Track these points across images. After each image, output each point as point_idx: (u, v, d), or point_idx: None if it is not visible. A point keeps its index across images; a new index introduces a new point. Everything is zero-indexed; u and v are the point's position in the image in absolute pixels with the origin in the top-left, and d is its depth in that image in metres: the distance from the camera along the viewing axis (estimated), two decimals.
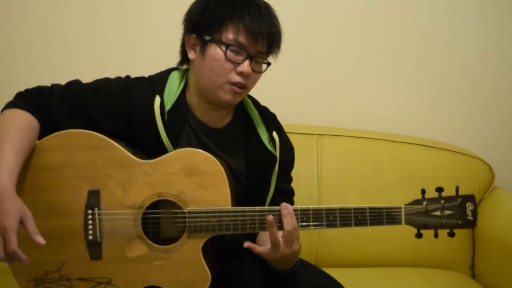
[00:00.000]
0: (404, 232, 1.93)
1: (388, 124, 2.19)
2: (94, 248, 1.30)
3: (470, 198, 1.31)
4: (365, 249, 1.95)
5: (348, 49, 2.19)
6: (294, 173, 1.60)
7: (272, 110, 1.62)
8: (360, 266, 1.94)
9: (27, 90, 1.36)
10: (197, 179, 1.29)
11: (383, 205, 1.30)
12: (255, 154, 1.44)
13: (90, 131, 1.31)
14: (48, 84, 1.40)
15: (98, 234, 1.30)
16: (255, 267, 1.42)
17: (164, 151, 1.34)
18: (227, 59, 1.31)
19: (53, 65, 2.14)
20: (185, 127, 1.38)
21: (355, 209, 1.29)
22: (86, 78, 1.47)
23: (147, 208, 1.30)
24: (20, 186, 1.27)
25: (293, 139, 1.97)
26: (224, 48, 1.31)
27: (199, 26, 1.35)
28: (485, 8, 2.18)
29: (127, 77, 1.41)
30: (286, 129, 1.81)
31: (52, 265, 1.31)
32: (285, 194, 1.50)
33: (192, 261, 1.30)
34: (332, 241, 1.93)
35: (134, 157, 1.31)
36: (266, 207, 1.31)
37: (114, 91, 1.36)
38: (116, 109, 1.34)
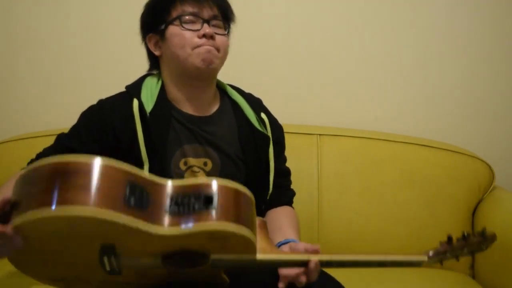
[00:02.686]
0: (404, 232, 1.94)
1: (388, 124, 2.19)
2: (113, 273, 1.19)
3: (492, 238, 1.32)
4: (365, 249, 1.95)
5: (348, 49, 2.19)
6: (294, 173, 1.61)
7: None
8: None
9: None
10: (222, 242, 1.12)
11: (407, 257, 1.31)
12: (248, 136, 1.47)
13: (87, 217, 1.00)
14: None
15: (116, 268, 1.17)
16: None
17: (138, 153, 1.35)
18: (185, 28, 1.39)
19: (53, 65, 2.14)
20: (171, 123, 1.41)
21: (378, 262, 1.27)
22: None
23: (165, 259, 1.17)
24: (24, 248, 1.10)
25: (293, 139, 1.98)
26: (177, 22, 1.39)
27: (153, 23, 1.44)
28: (485, 7, 2.18)
29: (100, 101, 1.46)
30: (286, 129, 1.82)
31: (70, 275, 1.23)
32: (284, 174, 1.56)
33: (213, 276, 1.26)
34: (332, 241, 1.93)
35: (147, 231, 1.06)
36: (293, 258, 1.23)
37: (90, 117, 1.42)
38: (99, 131, 1.37)
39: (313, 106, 2.21)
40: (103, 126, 1.39)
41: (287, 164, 1.62)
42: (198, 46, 1.38)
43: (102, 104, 1.44)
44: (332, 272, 1.43)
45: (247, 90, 1.62)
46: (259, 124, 1.49)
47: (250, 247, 1.13)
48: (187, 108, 1.45)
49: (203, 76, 1.42)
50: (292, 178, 1.62)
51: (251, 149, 1.46)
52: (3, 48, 2.13)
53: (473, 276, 1.97)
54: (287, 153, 1.63)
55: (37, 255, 1.14)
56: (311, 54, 2.18)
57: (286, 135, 1.63)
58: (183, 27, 1.39)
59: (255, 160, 1.47)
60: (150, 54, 1.49)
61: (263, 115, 1.52)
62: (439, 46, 2.20)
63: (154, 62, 1.49)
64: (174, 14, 1.40)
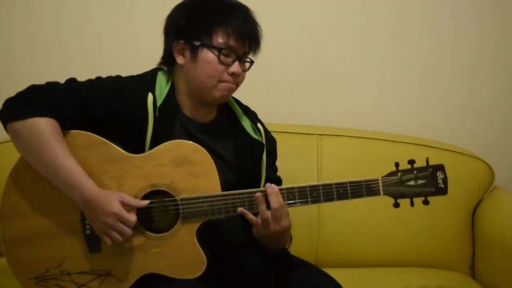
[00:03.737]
0: (404, 232, 1.95)
1: (388, 124, 2.19)
2: (92, 242, 1.34)
3: (440, 167, 1.41)
4: (365, 249, 1.95)
5: (348, 49, 2.19)
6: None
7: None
8: (360, 266, 1.94)
9: (24, 93, 1.37)
10: (187, 168, 1.34)
11: (362, 178, 1.38)
12: (243, 144, 1.51)
13: (82, 131, 1.36)
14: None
15: (94, 231, 1.34)
16: (254, 264, 1.46)
17: (142, 146, 1.37)
18: (220, 61, 1.38)
19: (51, 65, 2.14)
20: (176, 122, 1.44)
21: (336, 184, 1.37)
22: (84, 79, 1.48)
23: (141, 199, 1.34)
24: (17, 186, 1.35)
25: (293, 139, 1.98)
26: (217, 52, 1.38)
27: (187, 32, 1.40)
28: (486, 8, 2.18)
29: (118, 76, 1.45)
30: (286, 129, 1.83)
31: (53, 262, 1.35)
32: (276, 182, 1.56)
33: (187, 246, 1.34)
34: (332, 241, 1.93)
35: (125, 152, 1.36)
36: (253, 189, 1.36)
37: (109, 88, 1.40)
38: (112, 104, 1.37)
39: (313, 106, 2.21)
40: (118, 103, 1.38)
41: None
42: (224, 81, 1.41)
43: (122, 85, 1.42)
44: (332, 272, 1.43)
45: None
46: (255, 132, 1.53)
47: (211, 172, 1.34)
48: (190, 114, 1.47)
49: (215, 104, 1.48)
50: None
51: (245, 156, 1.50)
52: (2, 48, 2.13)
53: (473, 276, 1.97)
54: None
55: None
56: (311, 54, 2.18)
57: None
58: (220, 60, 1.38)
59: (249, 167, 1.50)
60: (168, 54, 1.45)
61: (259, 125, 1.56)
62: (439, 46, 2.20)
63: (170, 62, 1.47)
64: (215, 40, 1.38)
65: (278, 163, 1.62)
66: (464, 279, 1.91)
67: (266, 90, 2.16)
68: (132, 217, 1.29)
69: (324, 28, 2.18)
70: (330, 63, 2.19)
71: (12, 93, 1.39)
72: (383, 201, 1.96)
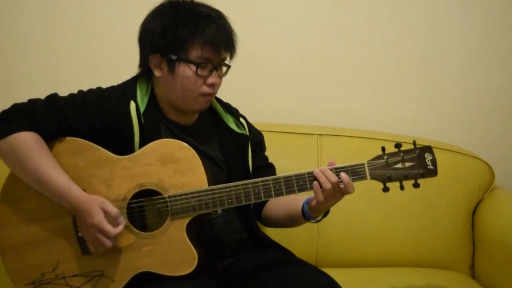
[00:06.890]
0: (404, 232, 1.94)
1: (388, 124, 2.19)
2: (85, 244, 1.36)
3: (428, 149, 1.37)
4: (365, 249, 1.95)
5: (348, 49, 2.19)
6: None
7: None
8: (360, 266, 1.94)
9: (6, 112, 1.40)
10: (173, 166, 1.36)
11: (347, 163, 1.35)
12: (228, 140, 1.53)
13: (69, 137, 1.39)
14: (40, 89, 1.45)
15: None
16: (252, 263, 1.46)
17: (129, 149, 1.40)
18: (198, 75, 1.40)
19: (52, 65, 2.14)
20: (161, 127, 1.46)
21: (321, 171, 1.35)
22: (84, 78, 1.48)
23: (131, 199, 1.36)
24: (10, 195, 1.39)
25: (293, 139, 1.98)
26: (194, 67, 1.39)
27: (163, 47, 1.41)
28: (486, 7, 2.18)
29: (99, 88, 1.47)
30: (286, 129, 1.82)
31: (47, 266, 1.37)
32: (268, 168, 1.60)
33: (177, 242, 1.34)
34: (332, 241, 1.93)
35: (112, 155, 1.38)
36: (239, 182, 1.36)
37: (91, 102, 1.42)
38: (96, 118, 1.40)
39: (313, 106, 2.21)
40: (101, 115, 1.41)
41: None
42: (204, 94, 1.42)
43: (104, 96, 1.44)
44: (332, 272, 1.43)
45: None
46: (238, 127, 1.55)
47: (197, 167, 1.35)
48: (173, 117, 1.49)
49: (194, 112, 1.50)
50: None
51: (231, 151, 1.52)
52: (3, 48, 2.13)
53: (473, 276, 1.97)
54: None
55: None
56: (311, 54, 2.18)
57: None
58: (197, 74, 1.40)
59: (236, 161, 1.52)
60: (145, 66, 1.46)
61: (241, 119, 1.58)
62: (439, 46, 2.20)
63: (147, 73, 1.47)
64: (191, 54, 1.39)
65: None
66: (464, 279, 1.91)
67: (266, 90, 2.16)
68: (114, 230, 1.30)
69: (325, 28, 2.17)
70: (330, 63, 2.19)
71: (7, 93, 1.40)
72: (383, 201, 1.97)
